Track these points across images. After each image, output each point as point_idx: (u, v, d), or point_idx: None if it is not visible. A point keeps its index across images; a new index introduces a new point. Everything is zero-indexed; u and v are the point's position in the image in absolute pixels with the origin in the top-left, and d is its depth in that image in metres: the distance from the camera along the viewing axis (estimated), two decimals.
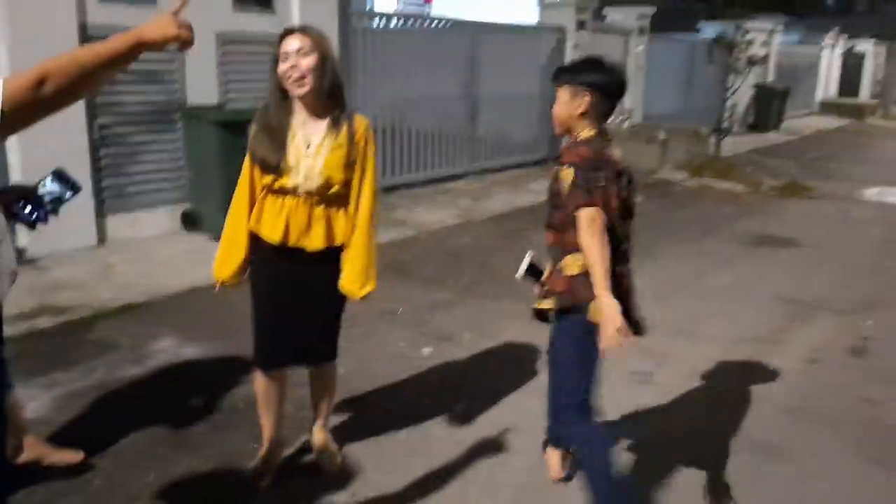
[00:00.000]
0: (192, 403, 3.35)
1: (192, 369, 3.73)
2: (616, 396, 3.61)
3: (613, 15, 12.13)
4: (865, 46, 24.02)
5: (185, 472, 2.83)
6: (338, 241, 2.56)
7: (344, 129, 2.48)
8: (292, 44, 2.40)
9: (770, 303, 5.06)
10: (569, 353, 2.48)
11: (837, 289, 5.37)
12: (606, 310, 2.20)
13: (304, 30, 2.45)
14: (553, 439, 2.88)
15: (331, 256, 2.57)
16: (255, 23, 6.40)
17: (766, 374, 3.94)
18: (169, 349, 3.88)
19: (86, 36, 5.29)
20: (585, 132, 2.41)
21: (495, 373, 3.82)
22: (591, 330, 2.28)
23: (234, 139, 5.09)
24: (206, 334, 4.08)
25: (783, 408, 3.52)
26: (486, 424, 3.28)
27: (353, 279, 2.58)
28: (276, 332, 2.62)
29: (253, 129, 2.51)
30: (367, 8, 12.42)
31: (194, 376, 3.66)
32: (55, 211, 2.24)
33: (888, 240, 7.00)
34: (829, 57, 22.06)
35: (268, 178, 2.48)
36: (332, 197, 2.51)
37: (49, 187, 2.16)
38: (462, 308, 4.77)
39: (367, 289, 2.60)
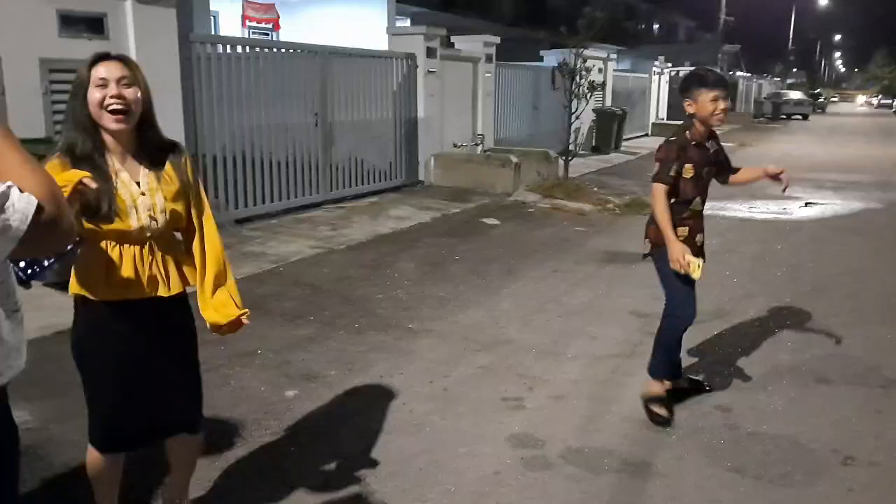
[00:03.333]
0: (31, 475, 2.94)
1: (24, 436, 3.29)
2: (487, 423, 3.57)
3: (461, 43, 12.41)
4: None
5: None
6: (192, 282, 2.33)
7: (168, 162, 2.26)
8: (113, 71, 2.12)
9: (626, 318, 5.24)
10: None
11: None
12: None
13: (125, 59, 2.19)
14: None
15: (183, 302, 2.34)
16: (85, 49, 5.87)
17: (628, 390, 4.03)
18: None
19: None
20: None
21: (364, 411, 3.66)
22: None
23: None
24: (35, 394, 3.63)
25: (649, 423, 3.60)
26: (358, 468, 3.11)
27: (227, 305, 2.32)
28: (127, 407, 2.28)
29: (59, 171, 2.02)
30: (211, 33, 11.99)
31: (28, 443, 3.23)
32: (51, 268, 2.00)
33: (725, 251, 7.52)
34: (658, 82, 23.82)
35: (90, 226, 2.11)
36: (173, 235, 2.29)
37: None
38: (326, 344, 4.57)
39: (245, 311, 2.36)
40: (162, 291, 2.24)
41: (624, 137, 17.79)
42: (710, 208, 11.19)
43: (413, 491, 2.95)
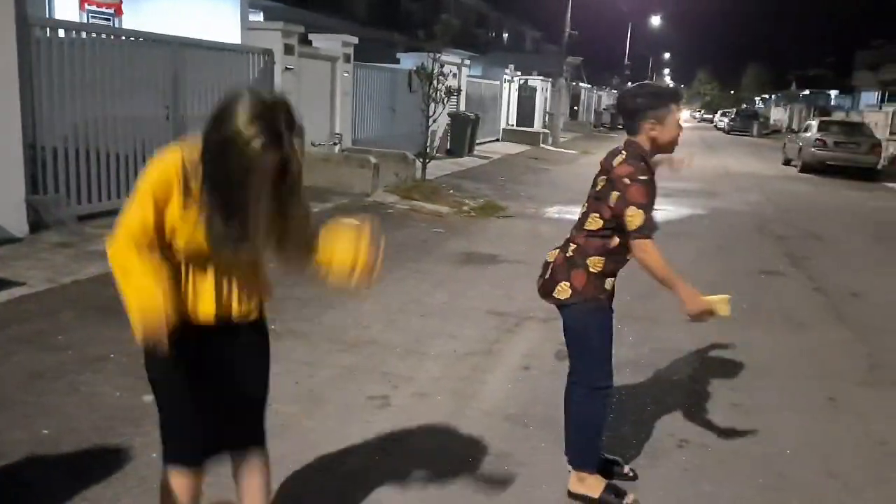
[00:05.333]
0: None
1: None
2: (353, 422, 3.64)
3: (320, 42, 12.32)
4: (536, 82, 27.39)
5: None
6: (266, 298, 2.20)
7: None
8: None
9: (483, 317, 5.48)
10: None
11: (537, 299, 5.99)
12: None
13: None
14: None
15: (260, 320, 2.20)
16: None
17: (488, 386, 4.25)
18: None
19: None
20: None
21: None
22: None
23: None
24: None
25: (507, 416, 3.83)
26: (225, 471, 3.07)
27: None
28: (203, 414, 2.17)
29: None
30: (47, 16, 11.15)
31: None
32: None
33: None
34: (509, 90, 24.75)
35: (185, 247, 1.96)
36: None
37: None
38: None
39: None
40: (245, 314, 2.11)
41: (477, 142, 18.37)
42: (557, 212, 11.72)
43: (282, 492, 2.96)
